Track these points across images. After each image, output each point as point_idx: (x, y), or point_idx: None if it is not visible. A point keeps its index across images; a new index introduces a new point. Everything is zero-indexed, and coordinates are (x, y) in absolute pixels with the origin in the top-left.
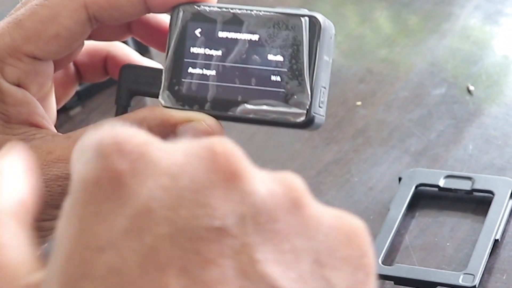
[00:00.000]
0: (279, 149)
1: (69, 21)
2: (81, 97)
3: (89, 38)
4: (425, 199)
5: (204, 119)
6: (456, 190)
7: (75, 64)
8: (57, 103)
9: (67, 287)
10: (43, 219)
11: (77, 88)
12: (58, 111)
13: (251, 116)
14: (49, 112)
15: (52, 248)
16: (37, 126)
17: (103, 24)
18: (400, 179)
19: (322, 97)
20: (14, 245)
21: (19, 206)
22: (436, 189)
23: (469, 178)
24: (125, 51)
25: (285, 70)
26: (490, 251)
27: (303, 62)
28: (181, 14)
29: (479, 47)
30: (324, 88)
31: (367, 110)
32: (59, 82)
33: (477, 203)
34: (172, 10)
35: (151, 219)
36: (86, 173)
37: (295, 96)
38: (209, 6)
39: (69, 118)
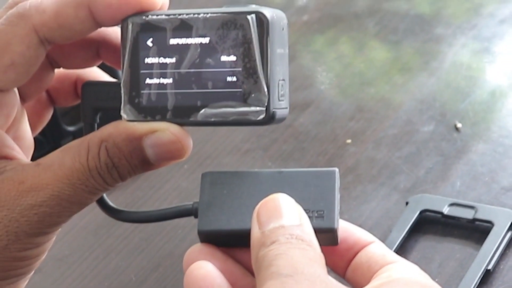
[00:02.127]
0: None
1: (22, 47)
2: None
3: (59, 67)
4: (428, 224)
5: (168, 128)
6: (458, 218)
7: (46, 90)
8: (33, 130)
9: None
10: (25, 249)
11: (51, 114)
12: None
13: (212, 119)
14: (23, 140)
15: None
16: (7, 157)
17: (57, 44)
18: (407, 203)
19: (281, 90)
20: None
21: None
22: (440, 215)
23: (472, 207)
24: (94, 73)
25: (240, 69)
26: (479, 281)
27: (255, 60)
28: (130, 26)
29: (466, 84)
30: (283, 80)
31: (356, 148)
32: (32, 109)
33: (477, 232)
34: (121, 23)
35: None
36: None
37: (253, 95)
38: (156, 15)
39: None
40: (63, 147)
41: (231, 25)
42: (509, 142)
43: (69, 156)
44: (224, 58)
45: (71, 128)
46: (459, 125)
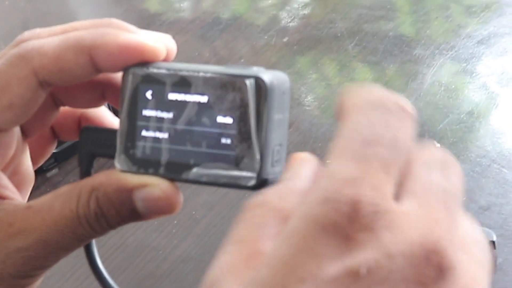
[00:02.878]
0: None
1: (20, 88)
2: (58, 159)
3: (64, 105)
4: None
5: (158, 184)
6: None
7: (51, 125)
8: (34, 163)
9: None
10: None
11: (54, 147)
12: (35, 172)
13: (203, 179)
14: (24, 175)
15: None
16: (0, 197)
17: (56, 87)
18: None
19: (276, 155)
20: None
21: None
22: None
23: None
24: (98, 111)
25: (234, 132)
26: None
27: (250, 125)
28: (131, 77)
29: (445, 105)
30: (280, 145)
31: None
32: (35, 143)
33: None
34: (123, 72)
35: (355, 281)
36: (322, 215)
37: (245, 160)
38: (158, 68)
39: (46, 180)
40: (55, 192)
41: (230, 87)
42: (486, 162)
43: (59, 201)
44: (220, 119)
45: None
46: (437, 145)
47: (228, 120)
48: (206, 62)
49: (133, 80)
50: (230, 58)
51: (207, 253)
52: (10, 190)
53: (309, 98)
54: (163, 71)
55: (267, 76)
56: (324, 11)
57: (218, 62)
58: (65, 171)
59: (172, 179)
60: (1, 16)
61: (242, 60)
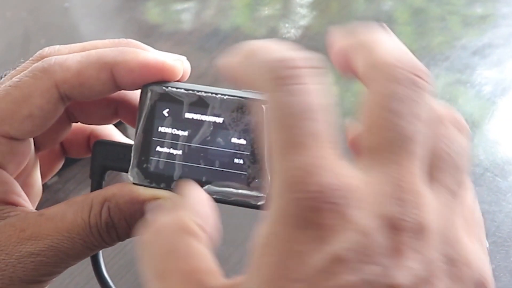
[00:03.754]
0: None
1: (41, 100)
2: None
3: (77, 121)
4: None
5: (170, 197)
6: None
7: (60, 141)
8: (43, 177)
9: None
10: None
11: (62, 163)
12: None
13: (214, 196)
14: (33, 187)
15: (248, 267)
16: (13, 204)
17: (75, 101)
18: None
19: None
20: (205, 254)
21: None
22: None
23: None
24: (107, 129)
25: (248, 154)
26: None
27: (264, 147)
28: (149, 94)
29: None
30: None
31: None
32: (44, 158)
33: None
34: (141, 89)
35: (343, 266)
36: (290, 214)
37: (256, 180)
38: (176, 88)
39: (46, 187)
40: (68, 201)
41: (246, 110)
42: (480, 171)
43: (71, 210)
44: (234, 140)
45: None
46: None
47: (242, 141)
48: (204, 72)
49: (152, 97)
50: None
51: None
52: (23, 198)
53: None
54: (182, 90)
55: None
56: (321, 23)
57: (216, 73)
58: (65, 179)
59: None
60: (3, 27)
61: None
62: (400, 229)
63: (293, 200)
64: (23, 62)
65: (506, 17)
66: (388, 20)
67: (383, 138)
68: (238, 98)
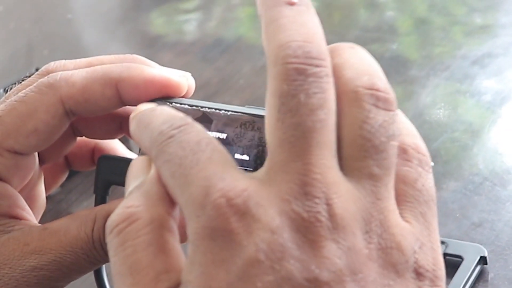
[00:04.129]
0: None
1: (47, 116)
2: None
3: (82, 136)
4: None
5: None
6: None
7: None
8: (46, 189)
9: None
10: None
11: (65, 176)
12: None
13: None
14: (37, 200)
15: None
16: (17, 217)
17: (80, 116)
18: None
19: None
20: (179, 251)
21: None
22: None
23: (442, 242)
24: (111, 143)
25: (251, 169)
26: None
27: None
28: None
29: (439, 124)
30: None
31: None
32: (48, 170)
33: (447, 266)
34: None
35: (259, 268)
36: (202, 228)
37: None
38: (180, 103)
39: (48, 198)
40: (72, 215)
41: (249, 126)
42: (479, 180)
43: (75, 224)
44: (237, 156)
45: None
46: (431, 164)
47: (245, 157)
48: (207, 82)
49: None
50: (230, 78)
51: None
52: (27, 212)
53: None
54: (186, 106)
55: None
56: (324, 32)
57: (218, 83)
58: (67, 190)
59: None
60: (7, 38)
61: (242, 81)
62: (311, 222)
63: (200, 215)
64: (29, 76)
65: (506, 27)
66: (388, 31)
67: (280, 139)
68: (242, 114)
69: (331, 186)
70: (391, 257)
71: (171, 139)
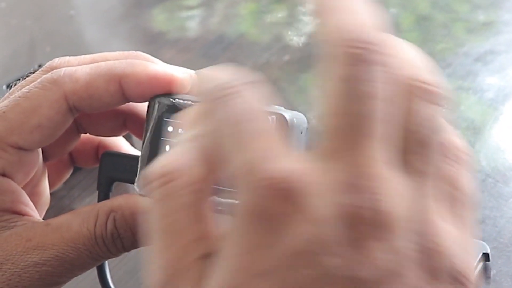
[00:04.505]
0: None
1: (50, 111)
2: None
3: (86, 133)
4: None
5: None
6: None
7: (69, 151)
8: (51, 186)
9: None
10: None
11: (70, 173)
12: None
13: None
14: (41, 197)
15: (217, 259)
16: (20, 213)
17: (84, 112)
18: None
19: None
20: (212, 216)
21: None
22: None
23: None
24: (116, 140)
25: None
26: None
27: None
28: (157, 105)
29: None
30: None
31: None
32: (52, 167)
33: None
34: (149, 101)
35: (301, 260)
36: (249, 205)
37: None
38: (183, 100)
39: (50, 194)
40: (74, 211)
41: None
42: (481, 177)
43: (77, 220)
44: None
45: None
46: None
47: None
48: None
49: (159, 109)
50: None
51: None
52: (30, 208)
53: (310, 115)
54: (189, 102)
55: (288, 114)
56: None
57: None
58: (70, 186)
59: None
60: (9, 35)
61: None
62: (359, 218)
63: (245, 192)
64: (33, 72)
65: (508, 24)
66: (392, 27)
67: (335, 125)
68: None
69: (380, 181)
70: (431, 259)
71: (236, 94)
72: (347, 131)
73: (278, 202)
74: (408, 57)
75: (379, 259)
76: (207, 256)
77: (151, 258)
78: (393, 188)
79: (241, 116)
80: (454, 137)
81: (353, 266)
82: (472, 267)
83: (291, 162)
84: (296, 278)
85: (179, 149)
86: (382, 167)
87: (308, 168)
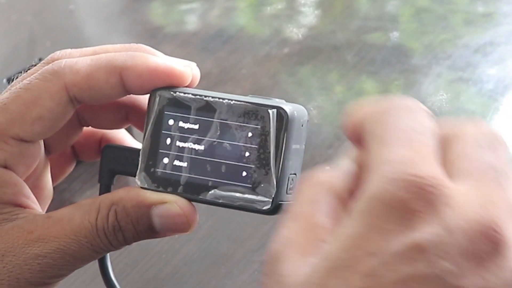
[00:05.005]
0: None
1: (51, 103)
2: None
3: (88, 126)
4: None
5: (176, 201)
6: None
7: (72, 144)
8: (54, 180)
9: (332, 270)
10: None
11: (73, 167)
12: None
13: (220, 201)
14: (43, 190)
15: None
16: (21, 206)
17: (86, 104)
18: None
19: (291, 184)
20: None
21: None
22: None
23: None
24: (118, 133)
25: (254, 158)
26: None
27: (270, 152)
28: (158, 98)
29: (441, 112)
30: (294, 174)
31: None
32: (55, 161)
33: None
34: (150, 94)
35: (420, 255)
36: (387, 193)
37: (262, 185)
38: (184, 93)
39: (53, 188)
40: (75, 204)
41: (253, 115)
42: None
43: (79, 213)
44: (241, 144)
45: None
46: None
47: (249, 146)
48: (208, 72)
49: (160, 102)
50: (231, 68)
51: (209, 256)
52: (32, 200)
53: (309, 106)
54: (189, 95)
55: (289, 107)
56: (324, 23)
57: (220, 73)
58: (71, 179)
59: (189, 199)
60: (9, 30)
61: (244, 71)
62: (487, 238)
63: (392, 180)
64: (34, 65)
65: (508, 15)
66: (389, 20)
67: (475, 168)
68: (245, 103)
69: (506, 215)
70: None
71: (394, 112)
72: (484, 174)
73: (419, 199)
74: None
75: (490, 281)
76: (323, 241)
77: (280, 231)
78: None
79: (427, 128)
80: None
81: (463, 277)
82: None
83: (439, 172)
84: (407, 268)
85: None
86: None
87: (450, 182)
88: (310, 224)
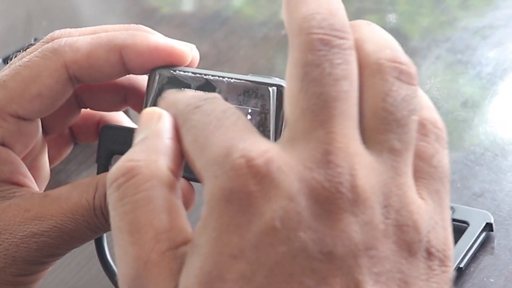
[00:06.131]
0: None
1: (50, 80)
2: None
3: (86, 107)
4: None
5: None
6: None
7: (70, 126)
8: (51, 162)
9: (203, 284)
10: (20, 274)
11: (70, 149)
12: None
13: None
14: (40, 171)
15: (191, 245)
16: (19, 184)
17: (85, 84)
18: None
19: None
20: (179, 209)
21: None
22: None
23: (451, 208)
24: (116, 115)
25: None
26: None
27: (269, 130)
28: (157, 77)
29: (440, 95)
30: None
31: None
32: (53, 142)
33: (453, 231)
34: (149, 72)
35: (274, 237)
36: (219, 189)
37: None
38: (184, 71)
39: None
40: (73, 183)
41: (253, 93)
42: (479, 150)
43: (77, 191)
44: None
45: None
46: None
47: None
48: (206, 54)
49: (159, 81)
50: (229, 50)
51: None
52: (29, 179)
53: None
54: (189, 74)
55: None
56: None
57: (217, 54)
58: (66, 160)
59: (187, 179)
60: (6, 9)
61: (242, 52)
62: (331, 192)
63: (219, 175)
64: (33, 44)
65: None
66: (389, 3)
67: (303, 108)
68: (245, 81)
69: (354, 157)
70: (406, 235)
71: (197, 108)
72: (315, 111)
73: (251, 180)
74: (379, 39)
75: (353, 233)
76: (178, 247)
77: (118, 257)
78: (367, 164)
79: (218, 113)
80: (429, 113)
81: (326, 241)
82: (450, 242)
83: (260, 143)
84: (271, 256)
85: (135, 150)
86: (353, 143)
87: (278, 148)
88: (157, 233)
